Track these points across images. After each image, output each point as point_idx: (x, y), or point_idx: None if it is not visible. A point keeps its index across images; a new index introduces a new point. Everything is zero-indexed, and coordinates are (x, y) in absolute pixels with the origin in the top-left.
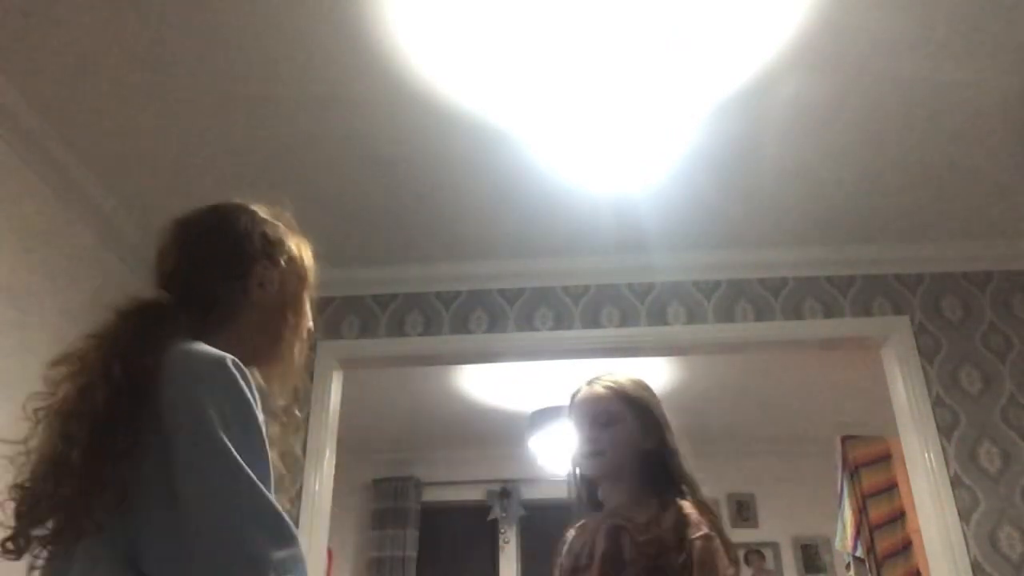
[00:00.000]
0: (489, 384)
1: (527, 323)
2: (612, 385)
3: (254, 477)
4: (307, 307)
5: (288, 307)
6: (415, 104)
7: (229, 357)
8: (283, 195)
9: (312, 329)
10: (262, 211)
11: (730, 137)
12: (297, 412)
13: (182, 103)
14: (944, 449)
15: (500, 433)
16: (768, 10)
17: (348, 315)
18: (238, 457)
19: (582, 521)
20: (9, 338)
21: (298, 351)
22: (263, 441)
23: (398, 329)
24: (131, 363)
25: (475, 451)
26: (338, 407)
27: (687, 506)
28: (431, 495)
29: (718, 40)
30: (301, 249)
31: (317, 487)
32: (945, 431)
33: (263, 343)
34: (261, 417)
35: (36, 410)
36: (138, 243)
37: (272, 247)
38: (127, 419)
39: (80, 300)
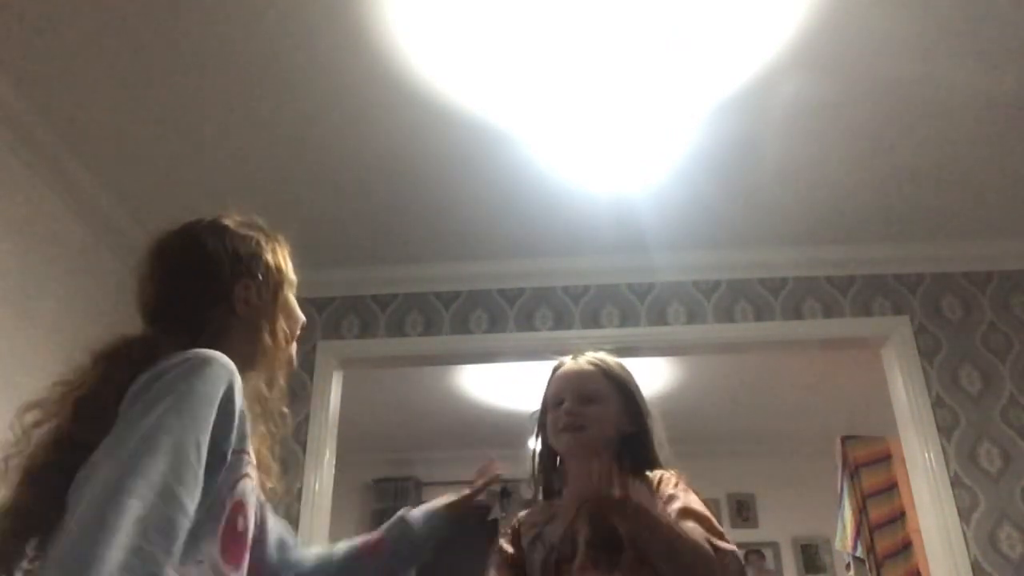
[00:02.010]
0: (489, 384)
1: (527, 323)
2: (599, 362)
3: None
4: (293, 306)
5: (276, 314)
6: (415, 104)
7: (205, 354)
8: (284, 196)
9: (304, 322)
10: (232, 222)
11: (730, 137)
12: (285, 409)
13: (182, 104)
14: (944, 449)
15: (500, 433)
16: (768, 10)
17: (348, 315)
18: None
19: (533, 508)
20: (9, 338)
21: (293, 350)
22: (200, 408)
23: (398, 329)
24: (93, 409)
25: (475, 451)
26: (338, 407)
27: (665, 472)
28: (431, 495)
29: (718, 40)
30: (277, 253)
31: (317, 487)
32: (945, 431)
33: (256, 352)
34: (215, 402)
35: (5, 458)
36: (137, 243)
37: (247, 263)
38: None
39: (79, 300)
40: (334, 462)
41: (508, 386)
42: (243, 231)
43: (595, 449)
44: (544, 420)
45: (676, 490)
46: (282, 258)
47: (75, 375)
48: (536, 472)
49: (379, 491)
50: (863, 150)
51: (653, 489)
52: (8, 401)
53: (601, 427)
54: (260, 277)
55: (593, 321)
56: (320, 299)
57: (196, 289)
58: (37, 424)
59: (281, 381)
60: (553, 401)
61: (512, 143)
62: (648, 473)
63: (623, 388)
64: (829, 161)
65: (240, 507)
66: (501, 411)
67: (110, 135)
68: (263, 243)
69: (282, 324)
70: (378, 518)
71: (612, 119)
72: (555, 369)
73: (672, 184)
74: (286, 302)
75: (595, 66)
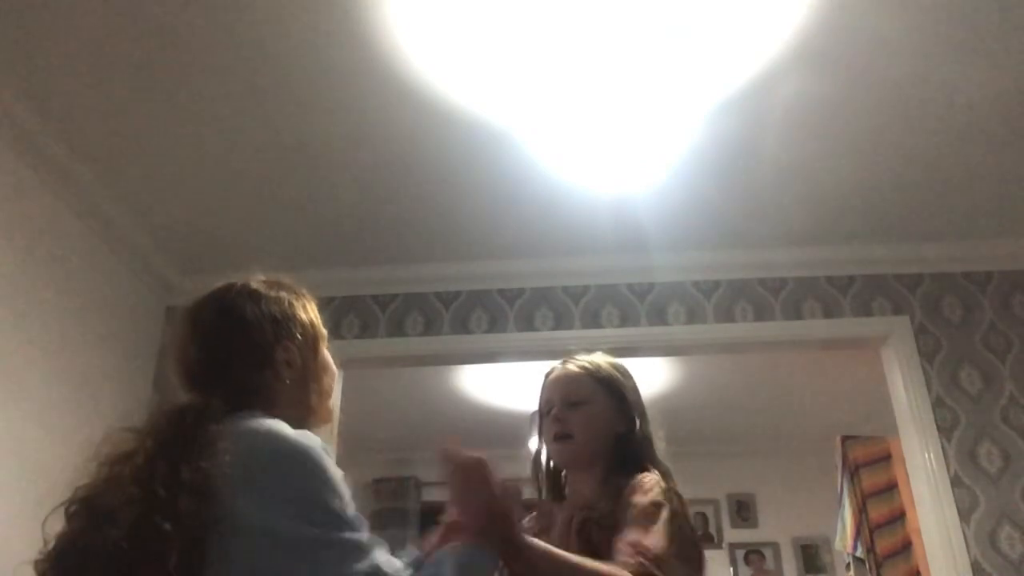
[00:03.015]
0: (489, 384)
1: (527, 323)
2: (586, 365)
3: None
4: (329, 361)
5: (318, 372)
6: (415, 104)
7: (308, 444)
8: (284, 196)
9: (336, 372)
10: (261, 286)
11: (730, 137)
12: None
13: (183, 105)
14: (944, 449)
15: (500, 433)
16: (768, 10)
17: (348, 315)
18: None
19: (536, 513)
20: (9, 338)
21: (331, 403)
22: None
23: (398, 329)
24: (178, 472)
25: (475, 451)
26: (338, 407)
27: (647, 475)
28: (431, 495)
29: (718, 40)
30: (308, 311)
31: None
32: (945, 431)
33: (303, 409)
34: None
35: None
36: (138, 243)
37: (285, 326)
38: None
39: (80, 300)
40: (334, 462)
41: (508, 386)
42: (274, 293)
43: (584, 458)
44: (541, 428)
45: (640, 498)
46: (313, 314)
47: (131, 445)
48: (537, 475)
49: (379, 491)
50: (863, 150)
51: (627, 492)
52: (10, 401)
53: (589, 432)
54: (299, 337)
55: (593, 321)
56: (320, 299)
57: (242, 353)
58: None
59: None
60: (544, 408)
61: (512, 143)
62: (643, 473)
63: (611, 388)
64: (829, 161)
65: None
66: (501, 411)
67: (110, 136)
68: (294, 302)
69: (324, 381)
70: (378, 518)
71: (612, 119)
72: (547, 375)
73: (672, 184)
74: (323, 358)
75: (595, 66)
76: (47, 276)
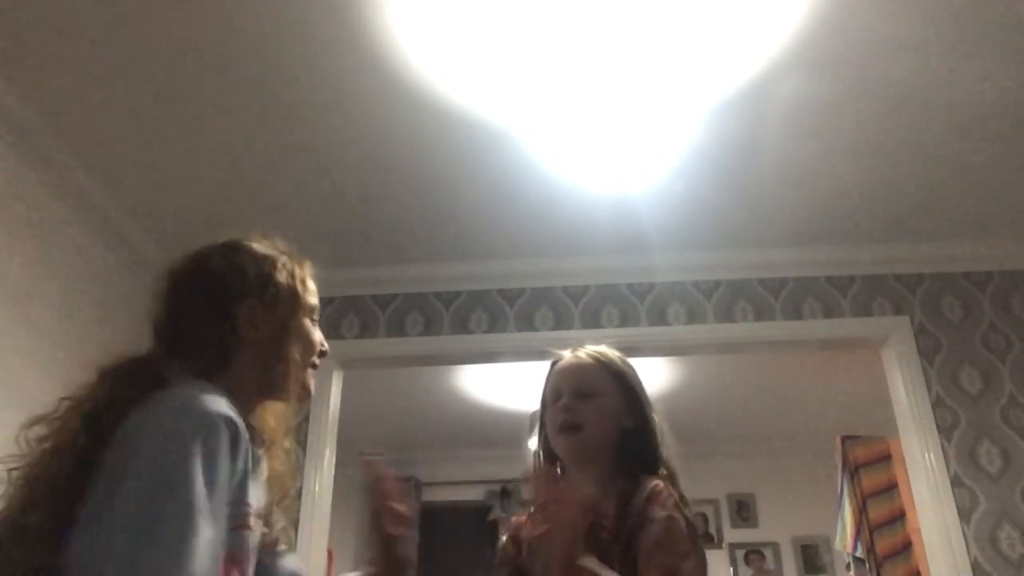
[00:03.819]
0: (489, 384)
1: (527, 323)
2: (598, 355)
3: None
4: (308, 332)
5: (286, 339)
6: (415, 104)
7: (213, 412)
8: (284, 196)
9: (324, 348)
10: (249, 243)
11: (730, 137)
12: (287, 444)
13: (183, 105)
14: (944, 449)
15: (500, 433)
16: (768, 10)
17: (348, 315)
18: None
19: (531, 511)
20: (10, 337)
21: (309, 377)
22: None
23: (398, 329)
24: (98, 425)
25: (475, 451)
26: (338, 407)
27: (659, 484)
28: (431, 495)
29: (718, 40)
30: (295, 276)
31: (317, 487)
32: (945, 431)
33: (267, 380)
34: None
35: (9, 470)
36: (138, 243)
37: (254, 283)
38: (87, 484)
39: (81, 300)
40: (334, 462)
41: (508, 386)
42: (258, 251)
43: (591, 451)
44: (544, 418)
45: (660, 512)
46: (299, 281)
47: (82, 391)
48: (536, 470)
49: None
50: (863, 150)
51: (641, 498)
52: (10, 401)
53: (599, 425)
54: (270, 298)
55: (593, 321)
56: (320, 299)
57: (197, 307)
58: (42, 439)
59: (290, 411)
60: (551, 397)
61: (512, 143)
62: (652, 478)
63: (623, 382)
64: (829, 161)
65: (236, 561)
66: (501, 411)
67: (110, 137)
68: (278, 265)
69: (294, 350)
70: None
71: (612, 119)
72: (553, 364)
73: (672, 184)
74: (299, 327)
75: (595, 66)
76: (47, 276)
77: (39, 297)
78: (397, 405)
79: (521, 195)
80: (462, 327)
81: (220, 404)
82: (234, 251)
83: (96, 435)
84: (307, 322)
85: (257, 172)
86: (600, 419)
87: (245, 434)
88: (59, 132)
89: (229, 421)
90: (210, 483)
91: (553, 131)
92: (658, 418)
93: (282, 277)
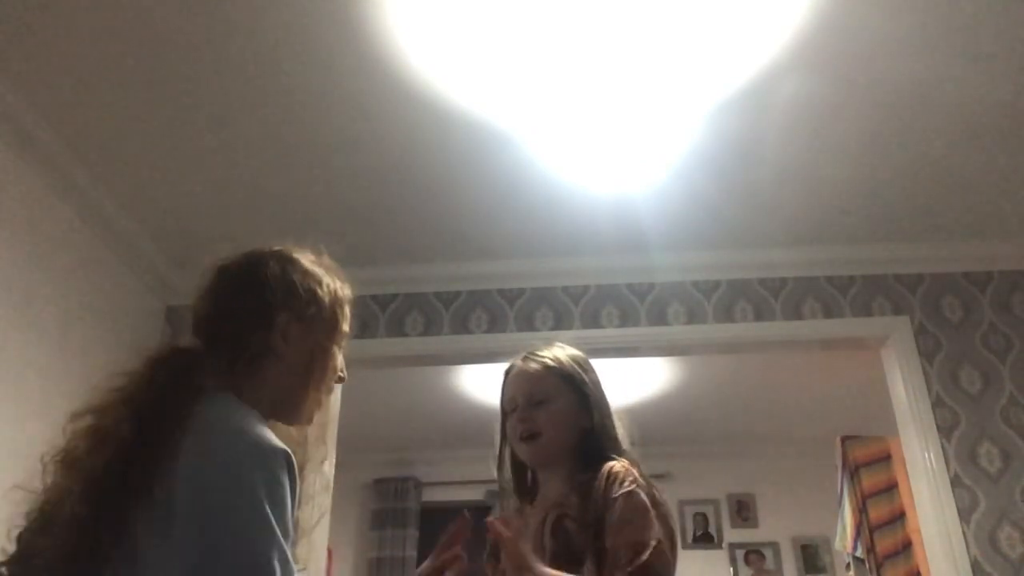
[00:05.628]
0: (489, 384)
1: (527, 323)
2: (547, 361)
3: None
4: (335, 358)
5: (313, 364)
6: (416, 105)
7: (280, 449)
8: (284, 196)
9: (343, 376)
10: (299, 256)
11: (730, 137)
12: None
13: (183, 105)
14: (944, 449)
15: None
16: (768, 10)
17: None
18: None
19: (508, 512)
20: (9, 337)
21: (322, 402)
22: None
23: (398, 329)
24: (148, 423)
25: (475, 451)
26: (338, 407)
27: (615, 464)
28: (431, 495)
29: (718, 40)
30: (337, 300)
31: (317, 487)
32: (945, 431)
33: (282, 399)
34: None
35: (52, 459)
36: (138, 243)
37: (300, 298)
38: (129, 477)
39: (80, 299)
40: (334, 462)
41: None
42: (310, 267)
43: (553, 456)
44: (505, 427)
45: (619, 490)
46: (340, 307)
47: (126, 380)
48: (505, 477)
49: (379, 491)
50: (863, 150)
51: (601, 483)
52: (11, 401)
53: (556, 429)
54: (308, 316)
55: (593, 321)
56: None
57: (245, 306)
58: (91, 429)
59: (316, 450)
60: (509, 406)
61: (512, 143)
62: (609, 462)
63: (573, 383)
64: (829, 161)
65: None
66: None
67: (112, 138)
68: (325, 287)
69: (318, 376)
70: (378, 518)
71: (612, 119)
72: (507, 372)
73: (672, 184)
74: (328, 353)
75: (595, 66)
76: (47, 276)
77: (39, 297)
78: (397, 405)
79: (521, 195)
80: (462, 327)
81: (273, 436)
82: (288, 262)
83: (144, 422)
84: (337, 349)
85: (256, 172)
86: (556, 424)
87: (296, 468)
88: (59, 132)
89: (288, 457)
90: (284, 531)
91: (553, 131)
92: (611, 414)
93: (326, 300)
